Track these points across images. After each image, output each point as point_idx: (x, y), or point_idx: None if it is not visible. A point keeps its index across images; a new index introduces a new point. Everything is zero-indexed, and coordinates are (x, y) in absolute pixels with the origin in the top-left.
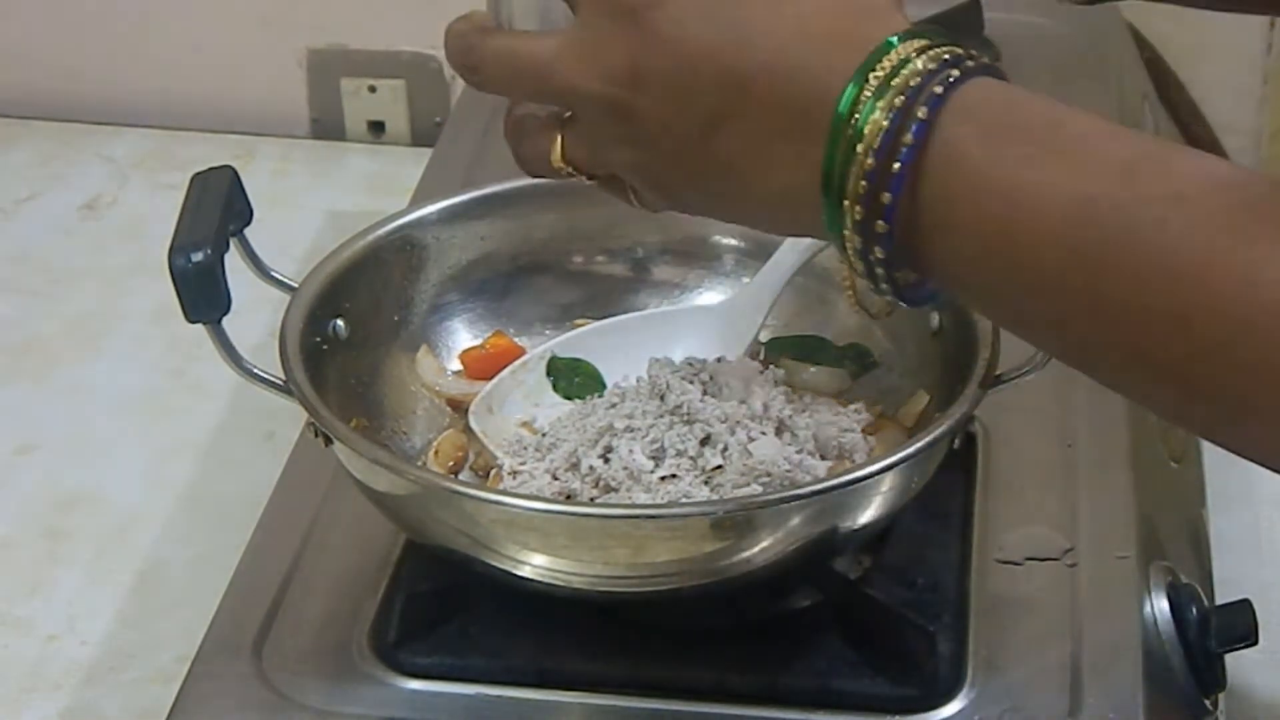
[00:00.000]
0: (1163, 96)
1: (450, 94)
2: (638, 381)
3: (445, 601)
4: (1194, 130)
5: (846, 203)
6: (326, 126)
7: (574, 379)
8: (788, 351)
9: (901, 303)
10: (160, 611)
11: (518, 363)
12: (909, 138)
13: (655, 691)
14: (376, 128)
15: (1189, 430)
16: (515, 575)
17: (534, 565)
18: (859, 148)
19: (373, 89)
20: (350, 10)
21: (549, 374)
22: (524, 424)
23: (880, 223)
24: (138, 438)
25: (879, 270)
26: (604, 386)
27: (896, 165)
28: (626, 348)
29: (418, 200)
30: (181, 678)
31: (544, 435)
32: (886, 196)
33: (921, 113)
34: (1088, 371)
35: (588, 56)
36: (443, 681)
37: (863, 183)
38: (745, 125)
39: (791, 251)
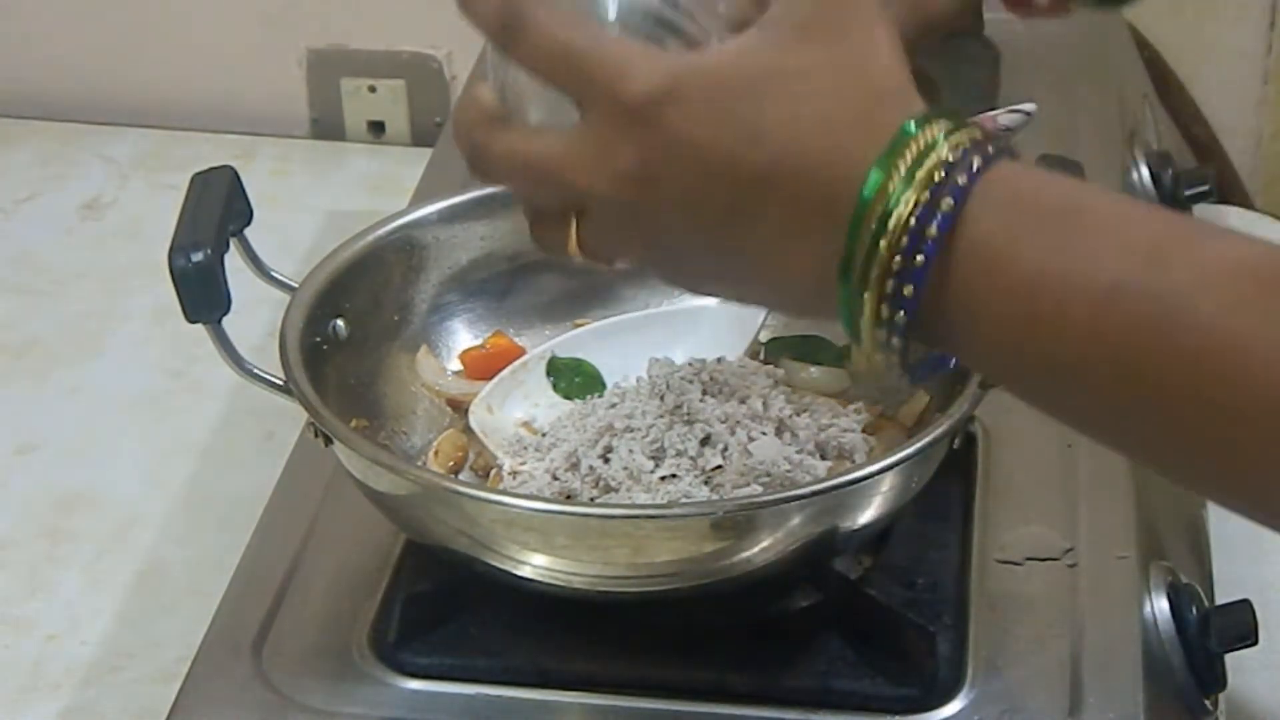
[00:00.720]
0: (1163, 97)
1: (450, 94)
2: (638, 381)
3: (445, 601)
4: (1194, 130)
5: (868, 295)
6: (326, 126)
7: (574, 379)
8: (788, 351)
9: (908, 378)
10: (160, 611)
11: (518, 363)
12: (933, 230)
13: (655, 691)
14: (376, 128)
15: (1231, 509)
16: (515, 575)
17: (534, 565)
18: (883, 242)
19: (373, 89)
20: (350, 10)
21: (549, 374)
22: (524, 424)
23: (900, 314)
24: (138, 438)
25: (893, 358)
26: (604, 386)
27: (920, 258)
28: (626, 348)
29: (418, 200)
30: (181, 678)
31: (544, 435)
32: (909, 289)
33: (947, 205)
34: (1122, 452)
35: (597, 157)
36: (443, 681)
37: (890, 280)
38: (763, 220)
39: None
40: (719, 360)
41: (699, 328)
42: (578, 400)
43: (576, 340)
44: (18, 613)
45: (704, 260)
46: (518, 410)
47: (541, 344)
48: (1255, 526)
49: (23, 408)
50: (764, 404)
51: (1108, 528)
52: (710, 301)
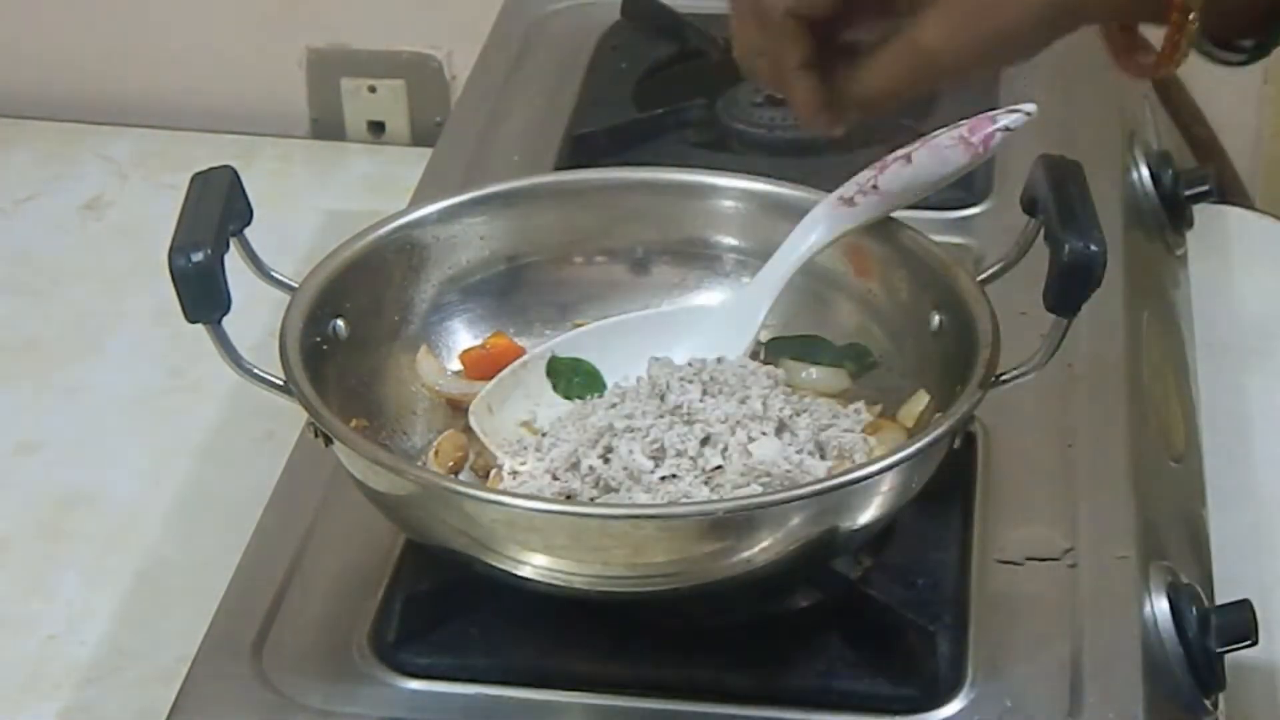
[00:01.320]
0: (1163, 97)
1: (450, 94)
2: (638, 381)
3: (445, 601)
4: (1194, 130)
5: None
6: (326, 126)
7: (574, 379)
8: (788, 351)
9: None
10: (160, 611)
11: (517, 363)
12: None
13: (655, 691)
14: (376, 128)
15: None
16: (515, 575)
17: (534, 565)
18: None
19: (373, 89)
20: (350, 10)
21: (549, 374)
22: (524, 424)
23: None
24: (138, 438)
25: None
26: (604, 386)
27: None
28: (626, 347)
29: (418, 200)
30: (181, 678)
31: (544, 435)
32: None
33: None
34: None
35: None
36: (443, 681)
37: None
38: None
39: (792, 251)
40: (719, 360)
41: (699, 328)
42: (578, 400)
43: (576, 340)
44: (18, 613)
45: None
46: (518, 410)
47: (541, 344)
48: (1255, 526)
49: (23, 408)
50: (764, 404)
51: (1108, 528)
52: (710, 301)
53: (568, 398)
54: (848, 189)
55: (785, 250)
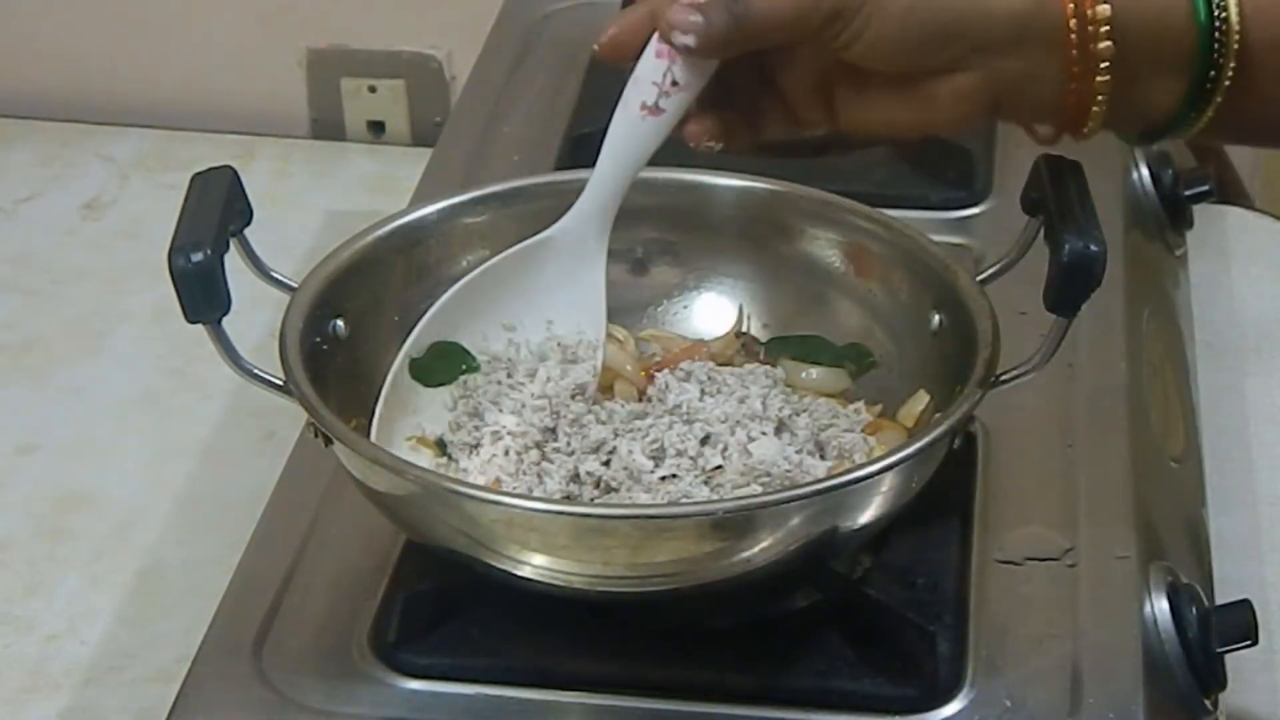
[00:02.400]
0: None
1: (450, 94)
2: (514, 346)
3: (445, 601)
4: None
5: None
6: (326, 126)
7: (439, 365)
8: (788, 351)
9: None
10: (160, 611)
11: (384, 394)
12: None
13: (655, 691)
14: (376, 128)
15: None
16: (515, 575)
17: (534, 565)
18: None
19: (373, 89)
20: (350, 10)
21: (415, 377)
22: (418, 441)
23: None
24: (138, 438)
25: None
26: (471, 356)
27: None
28: (479, 310)
29: (418, 200)
30: (181, 678)
31: (442, 444)
32: None
33: None
34: None
35: None
36: (443, 681)
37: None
38: None
39: (616, 174)
40: (715, 367)
41: (544, 266)
42: (452, 383)
43: (423, 333)
44: (18, 613)
45: None
46: (405, 430)
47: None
48: (1255, 526)
49: (23, 408)
50: (763, 403)
51: (1108, 528)
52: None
53: (443, 384)
54: (648, 95)
55: (608, 174)
